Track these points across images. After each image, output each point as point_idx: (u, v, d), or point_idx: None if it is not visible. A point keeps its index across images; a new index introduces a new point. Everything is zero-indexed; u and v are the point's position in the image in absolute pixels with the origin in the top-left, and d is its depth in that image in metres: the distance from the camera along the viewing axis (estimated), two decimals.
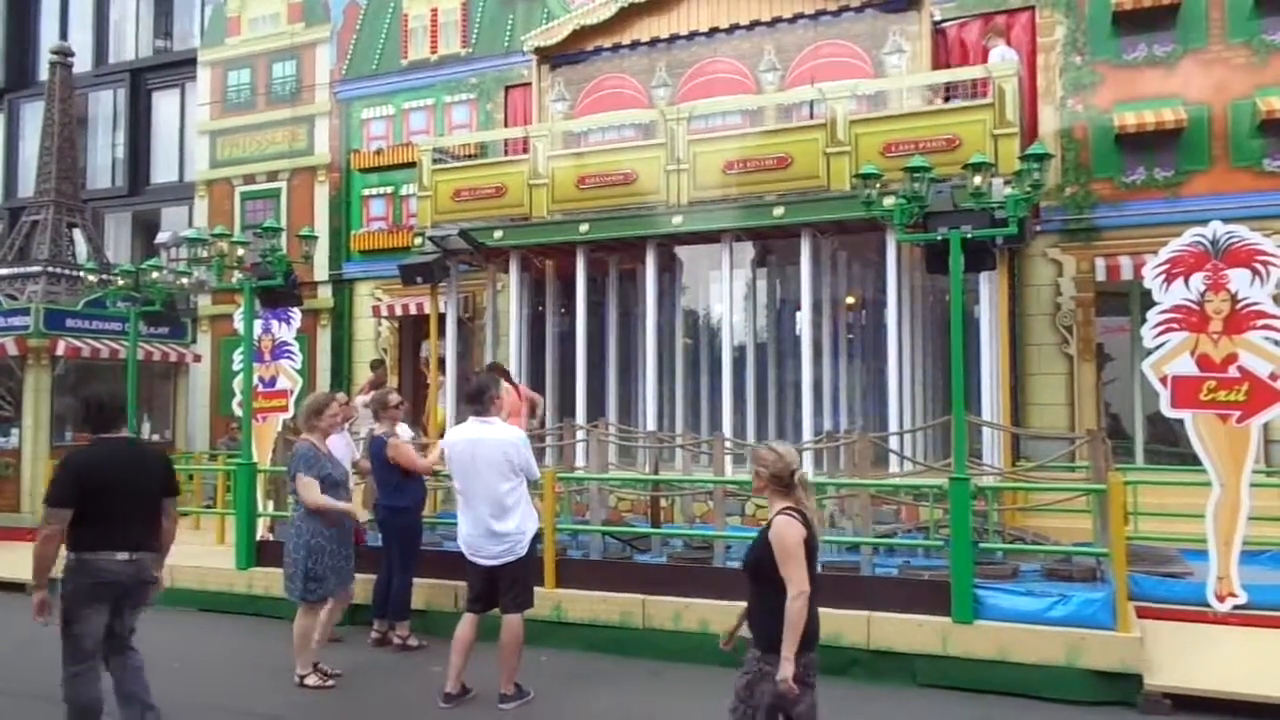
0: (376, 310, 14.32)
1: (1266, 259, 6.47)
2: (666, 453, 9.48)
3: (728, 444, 8.52)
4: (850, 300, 10.58)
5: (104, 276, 11.94)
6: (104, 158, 20.44)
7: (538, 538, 5.85)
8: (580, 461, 9.35)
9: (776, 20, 10.61)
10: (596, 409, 10.47)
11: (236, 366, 9.62)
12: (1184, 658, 5.93)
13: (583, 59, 11.52)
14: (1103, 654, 5.73)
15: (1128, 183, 10.60)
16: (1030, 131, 10.42)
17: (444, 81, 14.31)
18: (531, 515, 5.72)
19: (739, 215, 9.48)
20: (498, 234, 10.44)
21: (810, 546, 3.68)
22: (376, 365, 11.56)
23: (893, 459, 8.68)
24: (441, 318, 11.29)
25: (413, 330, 14.40)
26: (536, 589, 7.05)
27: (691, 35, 10.98)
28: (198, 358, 14.59)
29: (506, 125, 13.36)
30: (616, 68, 11.37)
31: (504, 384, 10.17)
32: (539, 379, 11.17)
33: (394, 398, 7.37)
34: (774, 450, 3.80)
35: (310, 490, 6.05)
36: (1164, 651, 5.96)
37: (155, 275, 10.51)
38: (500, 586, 5.62)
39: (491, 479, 5.52)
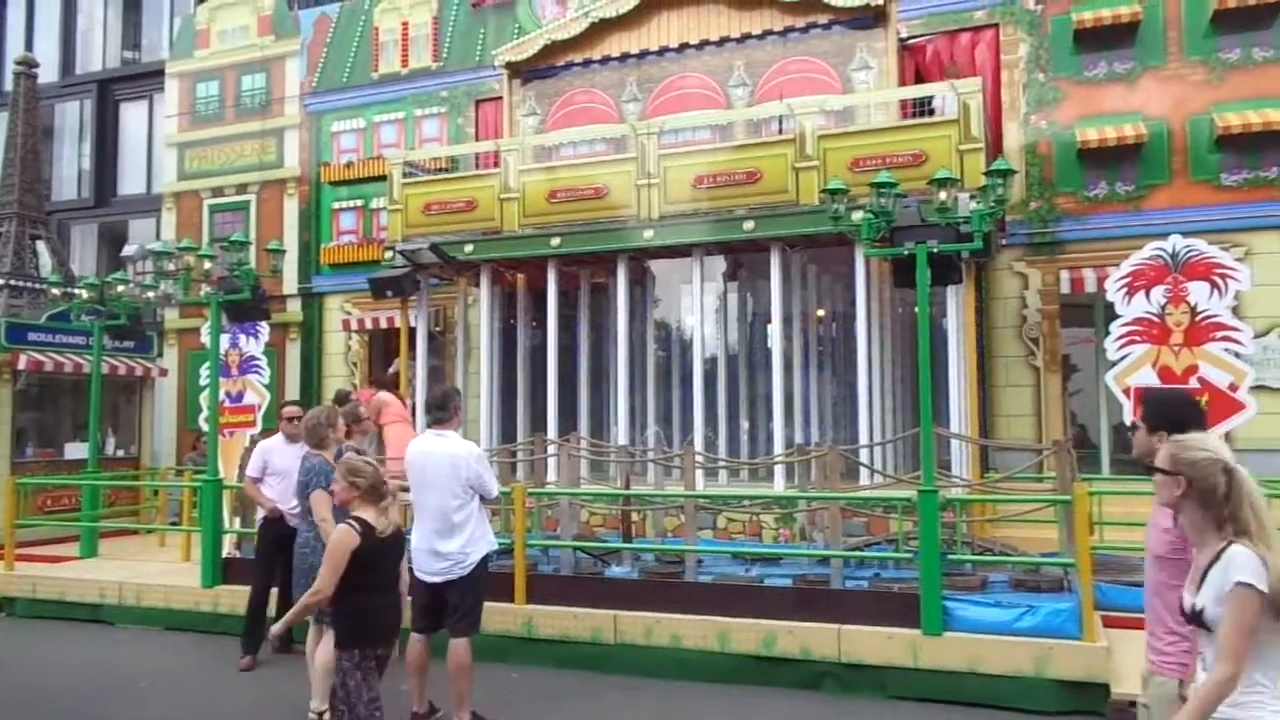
0: (346, 324, 14.23)
1: (1224, 272, 6.62)
2: (638, 466, 9.48)
3: (699, 457, 8.54)
4: (820, 313, 10.66)
5: (68, 290, 11.80)
6: (70, 169, 20.23)
7: (489, 559, 5.56)
8: (551, 476, 9.33)
9: (746, 37, 10.69)
10: (568, 423, 10.46)
11: (203, 381, 9.53)
12: None
13: (553, 74, 11.55)
14: (1070, 664, 5.79)
15: (1090, 197, 10.78)
16: (995, 147, 10.56)
17: (415, 95, 14.29)
18: (483, 537, 5.48)
19: (709, 229, 9.52)
20: (468, 248, 10.42)
21: (369, 552, 4.18)
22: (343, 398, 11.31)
23: (863, 471, 8.74)
24: (412, 331, 11.23)
25: (383, 344, 14.32)
26: (508, 605, 7.07)
27: (662, 51, 11.04)
28: (164, 372, 14.42)
29: (477, 139, 13.35)
30: (587, 82, 11.41)
31: (390, 395, 10.29)
32: (510, 392, 11.15)
33: (364, 410, 7.31)
34: (370, 464, 4.42)
35: (324, 505, 5.87)
36: (1130, 660, 6.01)
37: (121, 289, 10.40)
38: (447, 607, 5.44)
39: (440, 494, 5.37)
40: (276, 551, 6.95)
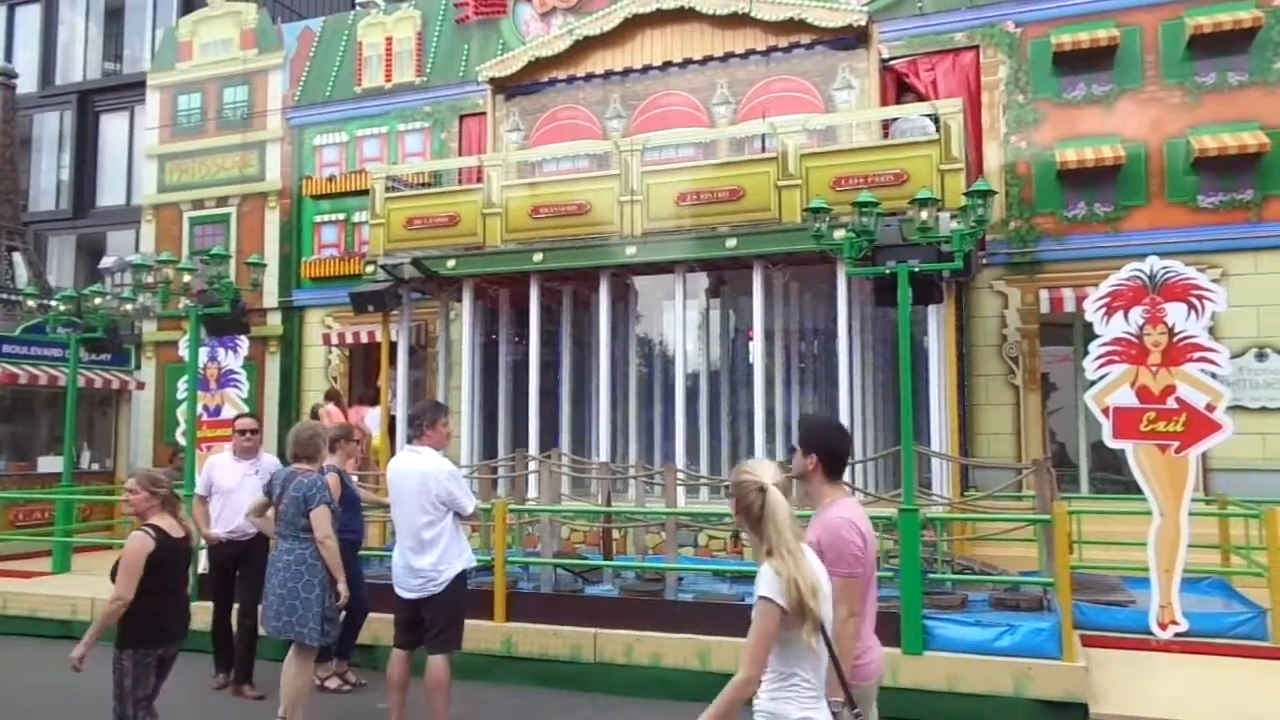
0: (327, 338, 14.13)
1: (1201, 293, 6.68)
2: (620, 483, 9.45)
3: (680, 474, 8.53)
4: (802, 330, 10.70)
5: (44, 302, 11.68)
6: (48, 180, 20.09)
7: (465, 576, 5.49)
8: (533, 492, 9.29)
9: (729, 55, 10.76)
10: (549, 439, 10.42)
11: (181, 394, 9.43)
12: (1128, 686, 6.02)
13: (537, 90, 11.57)
14: (1049, 683, 5.80)
15: (1069, 217, 10.88)
16: (976, 167, 10.65)
17: (398, 109, 14.27)
18: (457, 553, 5.40)
19: (692, 246, 9.55)
20: (451, 263, 10.40)
21: (163, 557, 4.51)
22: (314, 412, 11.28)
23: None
24: (393, 346, 11.18)
25: (364, 359, 14.25)
26: (487, 623, 7.01)
27: (645, 69, 11.08)
28: (141, 385, 14.27)
29: (461, 154, 13.35)
30: (571, 99, 11.44)
31: (334, 407, 10.24)
32: (492, 408, 11.12)
33: (357, 431, 7.25)
34: (167, 475, 4.86)
35: (327, 521, 5.72)
36: (1109, 680, 6.05)
37: (98, 301, 10.29)
38: (424, 623, 5.40)
39: (412, 510, 5.35)
40: (231, 568, 6.87)
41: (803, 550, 2.91)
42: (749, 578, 7.87)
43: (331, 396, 11.23)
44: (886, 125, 9.77)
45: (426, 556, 5.33)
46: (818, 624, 2.81)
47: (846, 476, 8.69)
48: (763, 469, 3.04)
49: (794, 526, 2.91)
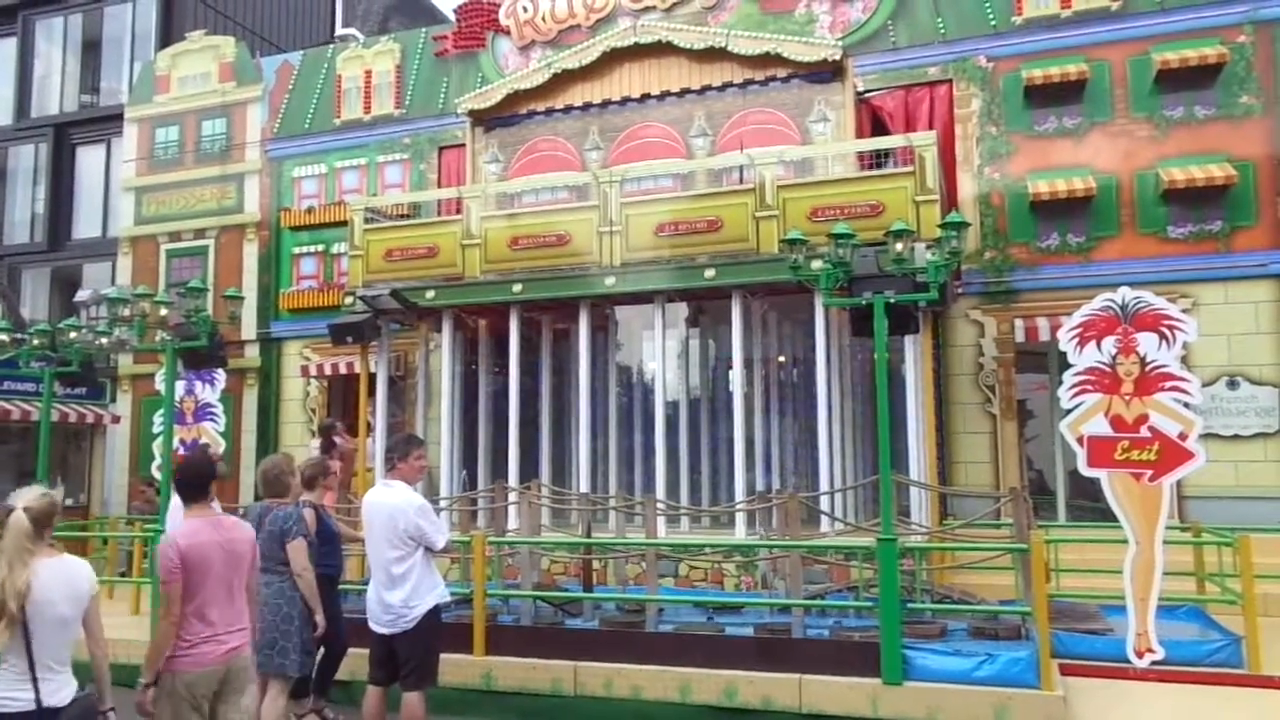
0: (305, 370, 14.06)
1: (1172, 323, 6.76)
2: (600, 513, 9.43)
3: (661, 504, 8.52)
4: (781, 359, 10.76)
5: (17, 335, 11.54)
6: (23, 212, 19.93)
7: (438, 610, 5.43)
8: (513, 523, 9.24)
9: (706, 88, 10.89)
10: (530, 469, 10.39)
11: (157, 428, 9.34)
12: (1106, 715, 6.04)
13: (516, 122, 11.65)
14: (1028, 713, 5.80)
15: (1043, 247, 11.02)
16: (950, 198, 10.79)
17: (377, 141, 14.31)
18: (429, 589, 5.36)
19: (671, 277, 9.60)
20: (430, 294, 10.40)
21: None
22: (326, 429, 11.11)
23: (823, 518, 8.75)
24: (372, 378, 11.14)
25: (342, 390, 14.17)
26: (466, 657, 6.95)
27: (624, 101, 11.19)
28: (116, 419, 14.13)
29: (440, 186, 13.39)
30: (550, 131, 11.52)
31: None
32: (471, 439, 11.08)
33: (334, 464, 7.21)
34: None
35: (304, 555, 5.75)
36: (1087, 709, 6.06)
37: (73, 335, 10.18)
38: (398, 659, 5.35)
39: (382, 545, 5.32)
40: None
41: (24, 562, 3.51)
42: (731, 609, 7.87)
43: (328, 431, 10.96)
44: (863, 157, 9.90)
45: (397, 592, 5.29)
46: (13, 620, 3.46)
47: (825, 505, 8.75)
48: (21, 495, 3.64)
49: (20, 543, 3.52)
